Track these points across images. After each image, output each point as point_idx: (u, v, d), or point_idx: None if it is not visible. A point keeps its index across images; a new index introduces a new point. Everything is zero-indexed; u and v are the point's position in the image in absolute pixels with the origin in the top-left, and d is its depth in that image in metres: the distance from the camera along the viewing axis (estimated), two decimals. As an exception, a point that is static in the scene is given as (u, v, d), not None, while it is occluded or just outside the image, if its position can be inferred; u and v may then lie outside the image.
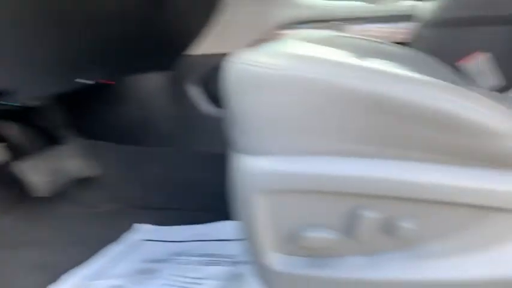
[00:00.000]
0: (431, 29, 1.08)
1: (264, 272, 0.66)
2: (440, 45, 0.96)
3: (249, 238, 0.65)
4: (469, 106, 0.54)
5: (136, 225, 1.20)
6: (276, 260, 0.64)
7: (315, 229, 0.61)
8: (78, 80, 1.13)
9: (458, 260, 0.59)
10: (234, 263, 0.99)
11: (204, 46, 1.24)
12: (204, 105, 1.28)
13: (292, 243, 0.63)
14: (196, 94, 1.28)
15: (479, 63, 1.03)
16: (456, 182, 0.56)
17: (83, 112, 1.38)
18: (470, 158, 0.56)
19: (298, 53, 0.59)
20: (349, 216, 0.60)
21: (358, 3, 1.21)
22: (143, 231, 1.19)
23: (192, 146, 1.33)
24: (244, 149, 0.62)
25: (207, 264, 1.01)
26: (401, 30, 1.14)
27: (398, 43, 0.98)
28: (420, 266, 0.60)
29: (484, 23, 1.06)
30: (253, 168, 0.60)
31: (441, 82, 0.56)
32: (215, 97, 1.25)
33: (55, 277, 0.97)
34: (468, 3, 1.06)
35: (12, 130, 1.32)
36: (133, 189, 1.34)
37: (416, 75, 0.56)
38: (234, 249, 1.05)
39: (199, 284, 0.94)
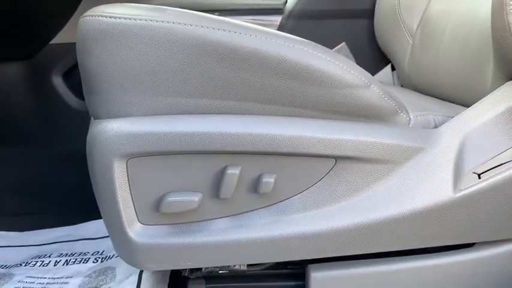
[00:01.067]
0: (294, 20, 1.15)
1: (124, 246, 0.60)
2: (302, 35, 1.02)
3: (108, 211, 0.59)
4: (327, 59, 0.56)
5: None
6: (137, 232, 0.59)
7: (178, 193, 0.58)
8: None
9: (318, 211, 0.60)
10: (101, 259, 0.91)
11: (69, 34, 1.15)
12: (68, 98, 1.18)
13: (154, 211, 0.59)
14: (60, 86, 1.18)
15: (345, 52, 1.11)
16: (309, 134, 0.57)
17: None
18: (323, 109, 0.58)
19: (155, 6, 0.57)
20: (213, 175, 0.58)
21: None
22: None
23: (55, 144, 1.22)
24: (98, 113, 0.57)
25: (71, 263, 0.91)
26: (273, 22, 1.18)
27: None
28: (282, 221, 0.60)
29: (343, 16, 1.15)
30: (108, 131, 0.55)
31: (298, 38, 0.57)
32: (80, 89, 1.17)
33: None
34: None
35: None
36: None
37: (276, 32, 0.57)
38: (101, 246, 0.97)
39: (60, 283, 0.84)
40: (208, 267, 0.70)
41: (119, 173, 0.57)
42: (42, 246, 1.01)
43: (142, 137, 0.55)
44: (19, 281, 0.85)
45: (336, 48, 1.14)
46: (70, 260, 0.93)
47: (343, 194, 0.60)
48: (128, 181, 0.58)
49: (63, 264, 0.91)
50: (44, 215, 1.11)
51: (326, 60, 0.56)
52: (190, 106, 0.57)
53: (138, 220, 0.59)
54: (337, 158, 0.59)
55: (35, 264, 0.92)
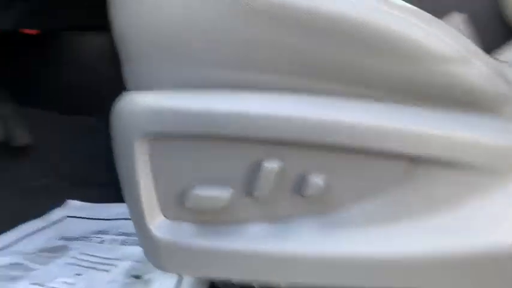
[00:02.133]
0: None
1: (146, 240, 0.52)
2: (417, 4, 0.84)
3: (129, 197, 0.51)
4: (411, 22, 0.40)
5: (67, 202, 1.08)
6: (159, 225, 0.50)
7: (205, 187, 0.48)
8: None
9: (384, 230, 0.45)
10: (155, 244, 0.85)
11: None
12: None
13: (178, 205, 0.49)
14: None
15: (454, 24, 0.91)
16: (377, 122, 0.42)
17: (15, 74, 1.25)
18: (400, 91, 0.42)
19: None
20: (248, 167, 0.47)
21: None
22: (69, 207, 1.07)
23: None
24: (128, 84, 0.49)
25: (125, 243, 0.87)
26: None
27: None
28: (335, 236, 0.46)
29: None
30: (129, 105, 0.47)
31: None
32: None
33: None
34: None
35: None
36: (71, 163, 1.21)
37: None
38: (160, 228, 0.91)
39: (108, 264, 0.80)
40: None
41: (140, 154, 0.48)
42: (109, 221, 0.99)
43: (166, 114, 0.46)
44: (72, 257, 0.83)
45: (454, 21, 0.94)
46: (127, 240, 0.89)
47: (421, 210, 0.44)
48: (150, 165, 0.49)
49: (119, 244, 0.87)
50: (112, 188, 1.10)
51: (410, 24, 0.40)
52: (228, 80, 0.45)
53: (158, 212, 0.50)
54: (415, 159, 0.43)
55: (93, 241, 0.89)
